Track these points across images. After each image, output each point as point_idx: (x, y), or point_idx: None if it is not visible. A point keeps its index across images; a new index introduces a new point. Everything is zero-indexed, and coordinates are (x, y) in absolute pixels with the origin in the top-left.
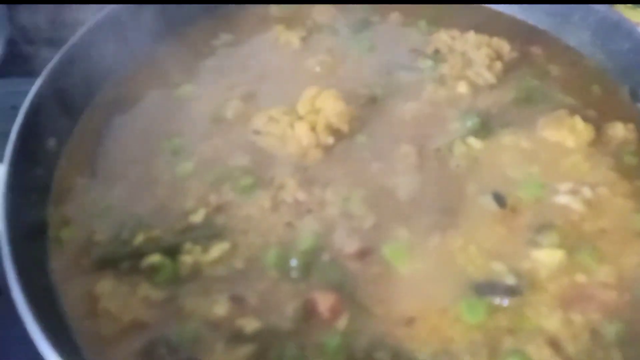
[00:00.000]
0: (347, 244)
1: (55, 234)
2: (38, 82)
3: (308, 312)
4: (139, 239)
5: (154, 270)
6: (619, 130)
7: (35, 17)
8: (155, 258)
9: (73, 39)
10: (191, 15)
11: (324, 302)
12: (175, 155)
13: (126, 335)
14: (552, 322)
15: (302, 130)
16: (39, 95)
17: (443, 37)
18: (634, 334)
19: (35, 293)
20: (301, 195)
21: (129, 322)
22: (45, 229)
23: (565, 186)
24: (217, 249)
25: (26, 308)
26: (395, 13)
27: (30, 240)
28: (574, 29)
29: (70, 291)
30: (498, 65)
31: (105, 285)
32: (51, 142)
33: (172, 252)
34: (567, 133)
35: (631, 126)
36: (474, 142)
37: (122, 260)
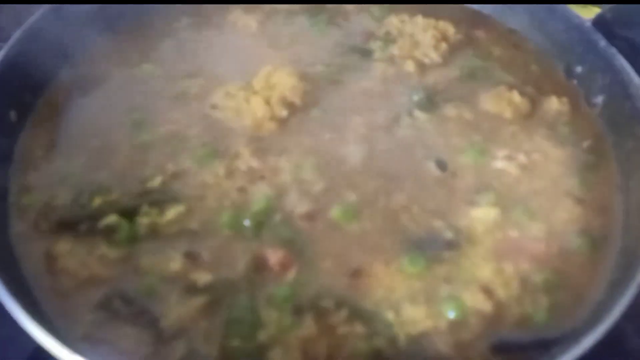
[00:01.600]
0: (298, 206)
1: (15, 199)
2: None
3: (259, 266)
4: (97, 202)
5: (111, 230)
6: (553, 104)
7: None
8: (112, 219)
9: (35, 17)
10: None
11: (274, 256)
12: (134, 128)
13: (83, 290)
14: (485, 271)
15: (257, 104)
16: None
17: (393, 21)
18: (559, 281)
19: None
20: (255, 163)
21: (85, 277)
22: (6, 195)
23: (502, 152)
24: (173, 211)
25: None
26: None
27: None
28: (515, 13)
29: (30, 252)
30: (443, 46)
31: (64, 246)
32: (12, 115)
33: (129, 213)
34: (505, 106)
35: (565, 100)
36: (420, 115)
37: (80, 222)
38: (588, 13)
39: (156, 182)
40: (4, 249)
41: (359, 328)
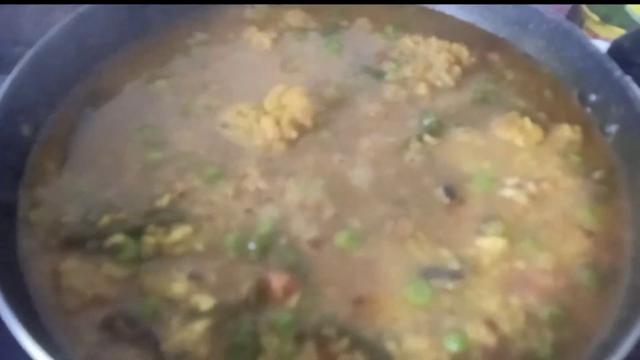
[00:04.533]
0: (304, 230)
1: (24, 214)
2: (15, 71)
3: (262, 290)
4: (105, 220)
5: (117, 249)
6: (566, 132)
7: (20, 19)
8: (118, 238)
9: (50, 32)
10: (168, 15)
11: (278, 281)
12: (145, 145)
13: (88, 309)
14: (490, 304)
15: (267, 125)
16: (15, 84)
17: (407, 42)
18: (566, 316)
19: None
20: (263, 185)
21: (91, 297)
22: (15, 209)
23: (512, 181)
24: (179, 232)
25: None
26: (363, 19)
27: (0, 219)
28: (530, 37)
29: (36, 268)
30: (457, 69)
31: (70, 263)
32: (25, 129)
33: (136, 233)
34: (517, 133)
35: (578, 128)
36: (430, 139)
37: (87, 240)
38: (609, 33)
39: (164, 201)
40: (11, 264)
41: (359, 358)
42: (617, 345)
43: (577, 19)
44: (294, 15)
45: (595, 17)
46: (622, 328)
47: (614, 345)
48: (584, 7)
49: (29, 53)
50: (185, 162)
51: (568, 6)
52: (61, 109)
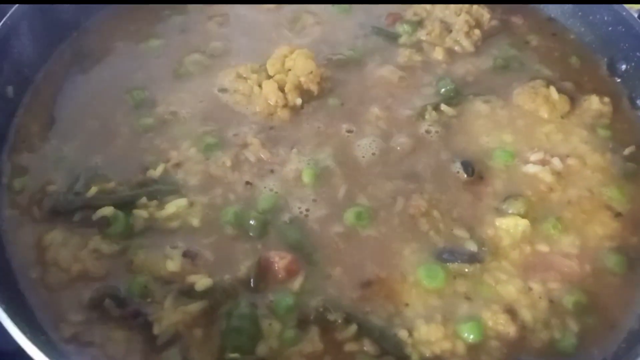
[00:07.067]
0: (309, 206)
1: (8, 182)
2: None
3: (262, 270)
4: (93, 190)
5: (106, 222)
6: (594, 103)
7: None
8: (107, 211)
9: None
10: None
11: (280, 261)
12: (136, 108)
13: (73, 286)
14: (510, 289)
15: (270, 90)
16: None
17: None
18: (592, 304)
19: None
20: (264, 155)
21: (77, 273)
22: None
23: (536, 156)
24: (173, 205)
25: None
26: None
27: None
28: None
29: (19, 240)
30: (477, 33)
31: (56, 236)
32: (10, 90)
33: (127, 205)
34: (541, 103)
35: (607, 100)
36: (447, 109)
37: (74, 212)
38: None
39: (157, 171)
40: None
41: (368, 346)
42: None
43: None
44: None
45: None
46: None
47: None
48: None
49: (13, 9)
50: (180, 128)
51: None
52: (47, 69)
